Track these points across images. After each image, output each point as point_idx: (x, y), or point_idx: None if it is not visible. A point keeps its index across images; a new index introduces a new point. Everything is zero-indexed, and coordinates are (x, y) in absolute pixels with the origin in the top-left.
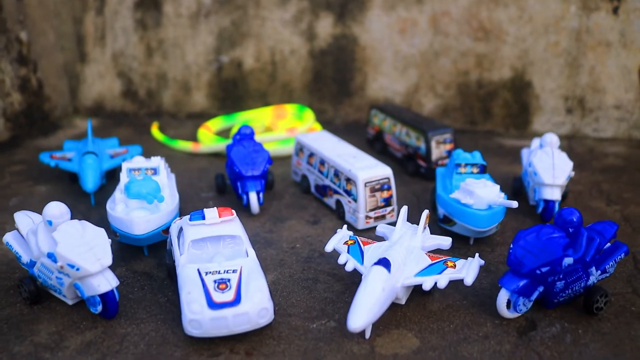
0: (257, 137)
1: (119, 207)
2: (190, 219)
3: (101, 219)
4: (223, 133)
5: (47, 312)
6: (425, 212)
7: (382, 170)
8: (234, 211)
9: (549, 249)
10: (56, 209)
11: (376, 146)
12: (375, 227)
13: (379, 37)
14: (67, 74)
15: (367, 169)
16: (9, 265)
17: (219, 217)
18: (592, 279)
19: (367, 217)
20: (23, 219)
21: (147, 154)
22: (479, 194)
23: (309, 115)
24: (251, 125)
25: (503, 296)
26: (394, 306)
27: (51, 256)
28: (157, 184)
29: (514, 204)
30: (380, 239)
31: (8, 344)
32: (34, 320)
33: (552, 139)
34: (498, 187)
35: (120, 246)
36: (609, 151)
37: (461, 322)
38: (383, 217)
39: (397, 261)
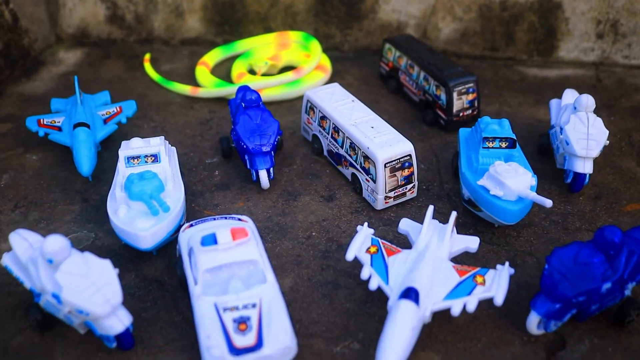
0: (261, 81)
1: (121, 211)
2: (202, 244)
3: (101, 199)
4: (223, 65)
5: (59, 340)
6: (454, 215)
7: (404, 147)
8: (248, 230)
9: (587, 276)
10: (55, 245)
11: (390, 84)
12: (393, 207)
13: None
14: None
15: (387, 146)
16: (10, 276)
17: (233, 239)
18: (627, 292)
19: (387, 197)
20: (20, 243)
21: (142, 102)
22: (510, 186)
23: (316, 47)
24: (253, 58)
25: (534, 318)
26: None
27: (56, 297)
28: (160, 182)
29: (548, 202)
30: (405, 238)
31: None
32: (46, 352)
33: (588, 101)
34: (530, 174)
35: (127, 247)
36: (639, 83)
37: (488, 340)
38: (403, 194)
39: (424, 286)
